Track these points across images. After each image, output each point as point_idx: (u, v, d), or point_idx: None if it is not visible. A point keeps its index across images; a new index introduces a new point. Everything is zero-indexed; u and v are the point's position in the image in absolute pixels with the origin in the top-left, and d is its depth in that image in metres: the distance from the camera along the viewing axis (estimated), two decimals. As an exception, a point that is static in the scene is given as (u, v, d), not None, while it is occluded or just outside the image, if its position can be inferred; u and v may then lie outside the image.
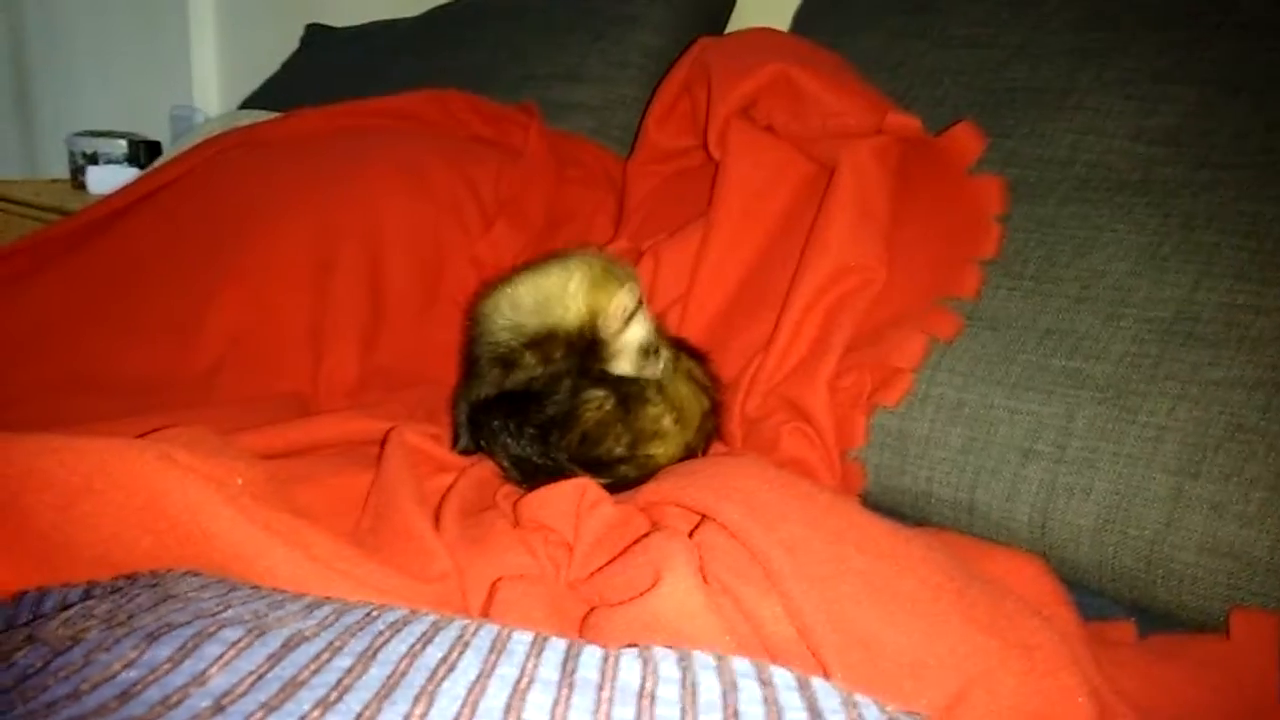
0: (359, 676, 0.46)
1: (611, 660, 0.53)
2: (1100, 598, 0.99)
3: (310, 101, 1.83)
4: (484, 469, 1.11)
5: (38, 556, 0.69)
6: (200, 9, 2.97)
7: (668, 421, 1.12)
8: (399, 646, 0.50)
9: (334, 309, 1.44)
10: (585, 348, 1.12)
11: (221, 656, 0.46)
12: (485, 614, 0.81)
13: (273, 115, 1.89)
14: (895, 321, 1.15)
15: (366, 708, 0.43)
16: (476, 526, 0.96)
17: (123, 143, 2.76)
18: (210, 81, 3.08)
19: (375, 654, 0.48)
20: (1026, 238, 1.15)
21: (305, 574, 0.67)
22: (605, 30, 1.95)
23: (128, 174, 2.46)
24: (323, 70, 2.44)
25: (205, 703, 0.42)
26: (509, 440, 1.10)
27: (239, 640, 0.48)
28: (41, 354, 1.37)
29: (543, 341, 1.13)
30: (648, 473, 1.07)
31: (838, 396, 1.14)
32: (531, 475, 1.06)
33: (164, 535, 0.68)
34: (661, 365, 1.13)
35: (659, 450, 1.12)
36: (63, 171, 2.84)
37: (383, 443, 1.08)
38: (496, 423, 1.12)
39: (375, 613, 0.54)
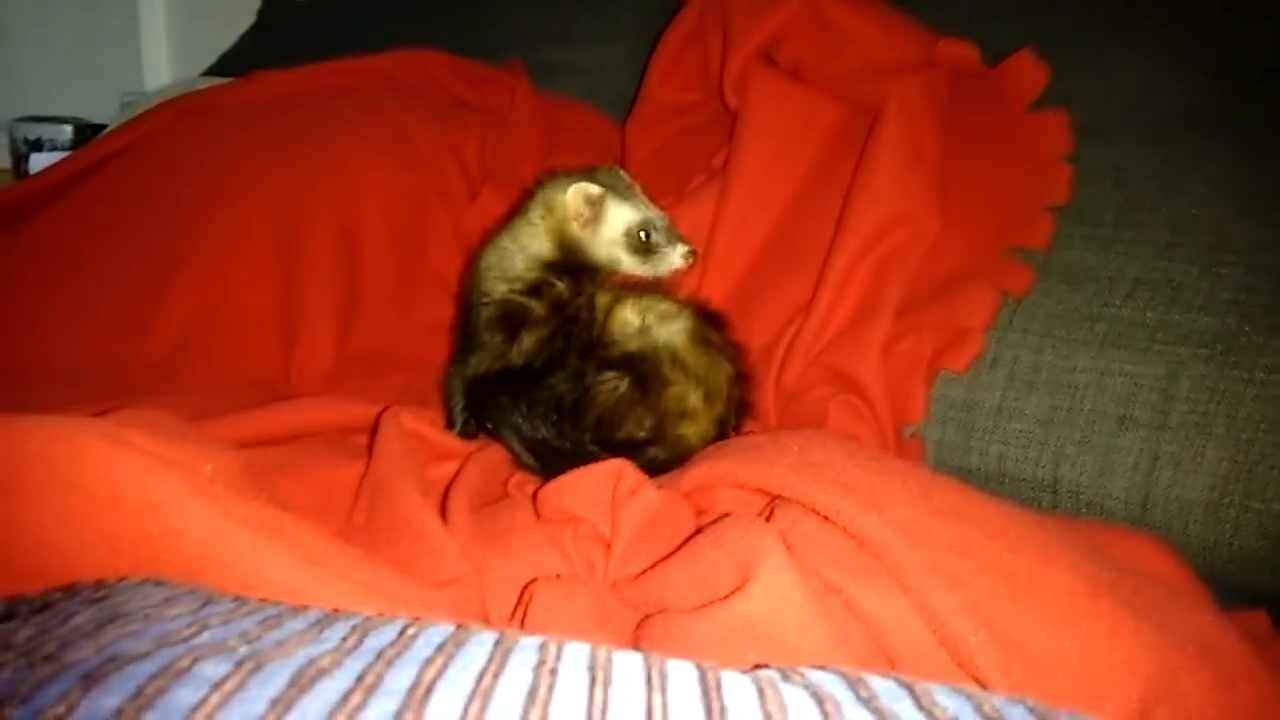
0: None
1: (713, 682, 0.39)
2: (1216, 584, 0.86)
3: (272, 74, 1.67)
4: (491, 454, 0.95)
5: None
6: (149, -13, 2.78)
7: (694, 399, 0.98)
8: (459, 679, 0.35)
9: (305, 288, 1.27)
10: (579, 269, 1.02)
11: (201, 706, 0.30)
12: (519, 623, 0.66)
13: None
14: (956, 277, 1.01)
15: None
16: (491, 520, 0.81)
17: (68, 128, 2.57)
18: (162, 66, 2.88)
19: (429, 693, 0.33)
20: (1101, 181, 1.02)
21: (301, 580, 0.52)
22: (593, -12, 1.80)
23: (75, 160, 2.28)
24: (284, 41, 2.27)
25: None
26: (520, 422, 0.95)
27: (224, 680, 0.32)
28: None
29: (540, 284, 1.01)
30: (680, 454, 0.93)
31: (892, 363, 1.00)
32: (550, 461, 0.91)
33: (116, 535, 0.52)
34: (681, 252, 1.03)
35: (690, 430, 0.97)
36: (2, 161, 2.64)
37: (373, 429, 0.93)
38: (504, 400, 0.98)
39: (413, 630, 0.39)
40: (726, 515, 0.70)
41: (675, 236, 1.03)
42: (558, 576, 0.70)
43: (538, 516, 0.80)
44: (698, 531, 0.72)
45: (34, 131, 2.62)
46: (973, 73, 1.11)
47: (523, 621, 0.64)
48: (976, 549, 0.58)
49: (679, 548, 0.68)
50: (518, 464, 0.95)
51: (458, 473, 0.89)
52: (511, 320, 1.01)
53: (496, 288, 1.02)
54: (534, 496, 0.83)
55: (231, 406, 0.96)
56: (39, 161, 2.47)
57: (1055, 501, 0.93)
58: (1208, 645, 0.56)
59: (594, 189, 0.99)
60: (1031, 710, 0.37)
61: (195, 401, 1.00)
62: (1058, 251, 1.00)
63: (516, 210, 1.07)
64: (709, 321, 1.04)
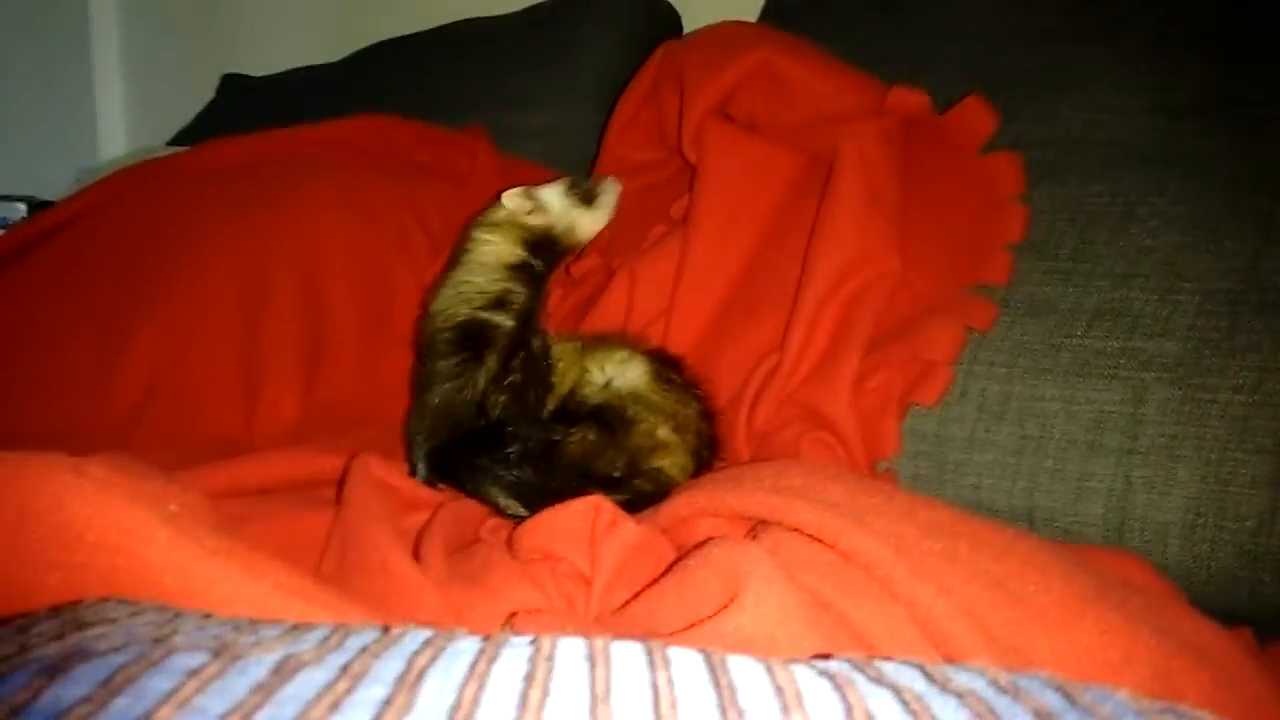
0: (406, 712, 0.29)
1: (719, 662, 0.37)
2: (1197, 606, 0.86)
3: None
4: (463, 504, 0.94)
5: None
6: (104, 61, 2.78)
7: (664, 432, 0.99)
8: (452, 667, 0.33)
9: (268, 344, 1.26)
10: (545, 252, 1.09)
11: (176, 692, 0.29)
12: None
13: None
14: (920, 315, 1.03)
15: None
16: (466, 562, 0.79)
17: (22, 206, 2.54)
18: (119, 141, 2.87)
19: (420, 679, 0.32)
20: (1054, 218, 1.04)
21: (276, 605, 0.50)
22: (550, 55, 1.84)
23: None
24: (241, 119, 2.27)
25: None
26: (502, 472, 0.94)
27: (202, 669, 0.30)
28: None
29: (502, 296, 1.04)
30: (662, 486, 0.92)
31: (863, 400, 1.00)
32: (537, 500, 0.89)
33: (79, 569, 0.50)
34: (609, 181, 1.13)
35: (666, 461, 0.97)
36: (-49, 240, 2.59)
37: (341, 480, 0.91)
38: (481, 462, 0.97)
39: (397, 631, 0.37)
40: (703, 544, 0.69)
41: (595, 179, 1.13)
42: (539, 610, 0.68)
43: (514, 557, 0.78)
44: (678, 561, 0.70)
45: (-14, 210, 2.58)
46: (924, 119, 1.14)
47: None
48: (965, 559, 0.58)
49: (662, 575, 0.67)
50: (497, 514, 0.93)
51: (430, 520, 0.87)
52: (475, 338, 1.02)
53: (459, 311, 1.04)
54: (509, 539, 0.82)
55: (195, 461, 0.94)
56: (-12, 239, 2.43)
57: (1030, 530, 0.92)
58: (1202, 648, 0.56)
59: (517, 188, 1.08)
60: (1048, 681, 0.36)
61: (158, 458, 0.97)
62: (1018, 286, 1.02)
63: (456, 256, 1.11)
64: (666, 364, 1.06)
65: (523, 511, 0.91)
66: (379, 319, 1.37)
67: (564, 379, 1.05)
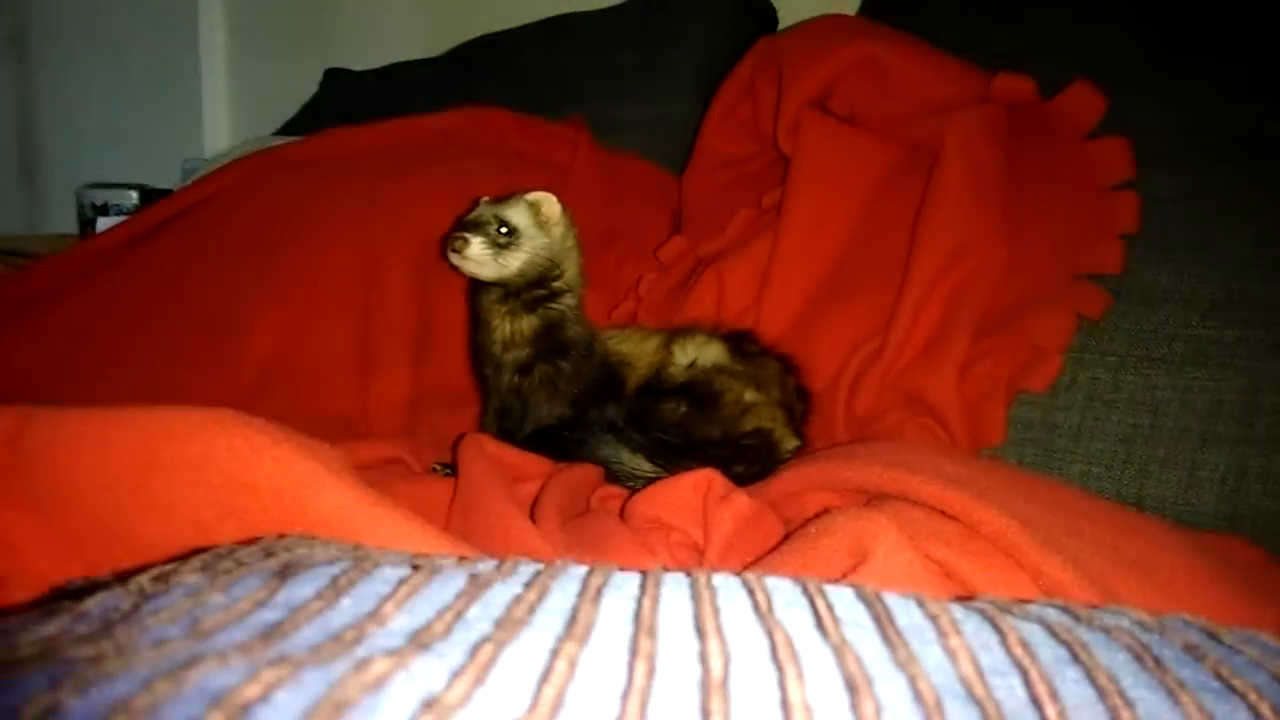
0: (591, 620, 0.32)
1: (815, 589, 0.39)
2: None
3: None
4: (574, 473, 0.97)
5: (92, 546, 0.55)
6: (211, 58, 2.90)
7: (749, 395, 1.04)
8: (625, 586, 0.36)
9: (384, 328, 1.31)
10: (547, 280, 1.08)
11: (392, 595, 0.32)
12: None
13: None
14: (1030, 303, 1.03)
15: (636, 640, 0.29)
16: (582, 530, 0.82)
17: (134, 193, 2.66)
18: (222, 134, 2.99)
19: (598, 595, 0.34)
20: (1170, 207, 1.03)
21: (440, 549, 0.53)
22: (649, 49, 1.86)
23: (140, 224, 2.35)
24: (345, 112, 2.35)
25: (396, 642, 0.28)
26: (633, 435, 0.99)
27: (409, 578, 0.34)
28: (78, 377, 1.24)
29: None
30: (766, 440, 0.97)
31: (969, 386, 1.00)
32: (660, 455, 0.94)
33: (252, 515, 0.54)
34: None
35: (760, 420, 1.02)
36: (68, 227, 2.73)
37: (453, 449, 0.96)
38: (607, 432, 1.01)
39: (561, 564, 0.40)
40: (823, 514, 0.71)
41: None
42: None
43: (627, 526, 0.81)
44: (787, 537, 0.72)
45: (100, 197, 2.70)
46: (1029, 106, 1.14)
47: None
48: (1089, 534, 0.59)
49: (778, 545, 0.69)
50: (613, 477, 0.96)
51: (542, 488, 0.90)
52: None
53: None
54: (621, 509, 0.85)
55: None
56: (105, 225, 2.54)
57: (1141, 519, 0.92)
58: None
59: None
60: (1192, 621, 0.37)
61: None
62: (1131, 275, 1.01)
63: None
64: (740, 338, 1.12)
65: (646, 467, 0.93)
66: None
67: (638, 364, 1.10)
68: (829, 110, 1.33)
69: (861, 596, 0.37)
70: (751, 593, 0.36)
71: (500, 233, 1.03)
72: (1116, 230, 1.03)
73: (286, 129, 2.45)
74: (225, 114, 2.95)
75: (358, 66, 2.53)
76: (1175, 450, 0.91)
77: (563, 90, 1.89)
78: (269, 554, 0.37)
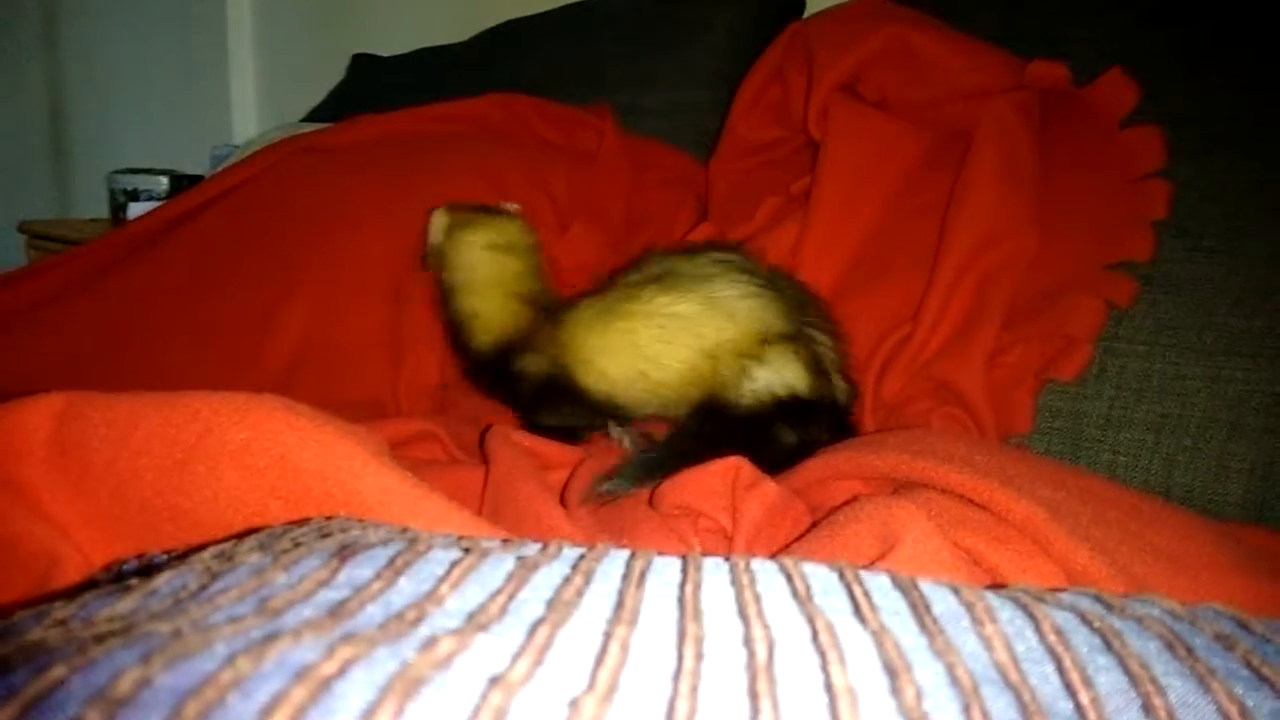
0: (637, 604, 0.33)
1: (851, 575, 0.40)
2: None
3: (364, 127, 1.75)
4: (599, 461, 0.98)
5: (140, 528, 0.57)
6: (239, 44, 2.93)
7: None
8: (666, 571, 0.37)
9: (414, 315, 1.33)
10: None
11: (447, 576, 0.33)
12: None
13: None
14: (1059, 290, 1.03)
15: (683, 624, 0.31)
16: (611, 516, 0.84)
17: (164, 179, 2.69)
18: (250, 120, 3.02)
19: (642, 579, 0.36)
20: (1201, 196, 1.03)
21: (483, 532, 0.54)
22: (677, 35, 1.87)
23: (170, 209, 2.38)
24: (372, 97, 2.36)
25: (454, 622, 0.29)
26: None
27: (461, 560, 0.35)
28: (111, 363, 1.26)
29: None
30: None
31: (997, 375, 1.01)
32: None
33: (297, 498, 0.55)
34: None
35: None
36: (98, 212, 2.77)
37: (480, 440, 0.97)
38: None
39: (602, 549, 0.41)
40: (851, 501, 0.72)
41: None
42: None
43: (656, 512, 0.82)
44: (814, 525, 0.73)
45: (131, 183, 2.73)
46: (1063, 92, 1.13)
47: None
48: (1116, 523, 0.59)
49: (806, 533, 0.70)
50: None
51: (571, 475, 0.92)
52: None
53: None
54: (650, 495, 0.86)
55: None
56: (136, 210, 2.57)
57: (1168, 509, 0.92)
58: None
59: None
60: (1222, 611, 0.38)
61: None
62: (1161, 264, 1.01)
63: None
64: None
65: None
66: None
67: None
68: (860, 96, 1.33)
69: (898, 584, 0.38)
70: (790, 579, 0.38)
71: None
72: (1146, 217, 1.03)
73: (314, 115, 2.46)
74: (253, 100, 2.98)
75: (385, 52, 2.54)
76: (1203, 440, 0.91)
77: (589, 76, 1.90)
78: (325, 534, 0.39)
